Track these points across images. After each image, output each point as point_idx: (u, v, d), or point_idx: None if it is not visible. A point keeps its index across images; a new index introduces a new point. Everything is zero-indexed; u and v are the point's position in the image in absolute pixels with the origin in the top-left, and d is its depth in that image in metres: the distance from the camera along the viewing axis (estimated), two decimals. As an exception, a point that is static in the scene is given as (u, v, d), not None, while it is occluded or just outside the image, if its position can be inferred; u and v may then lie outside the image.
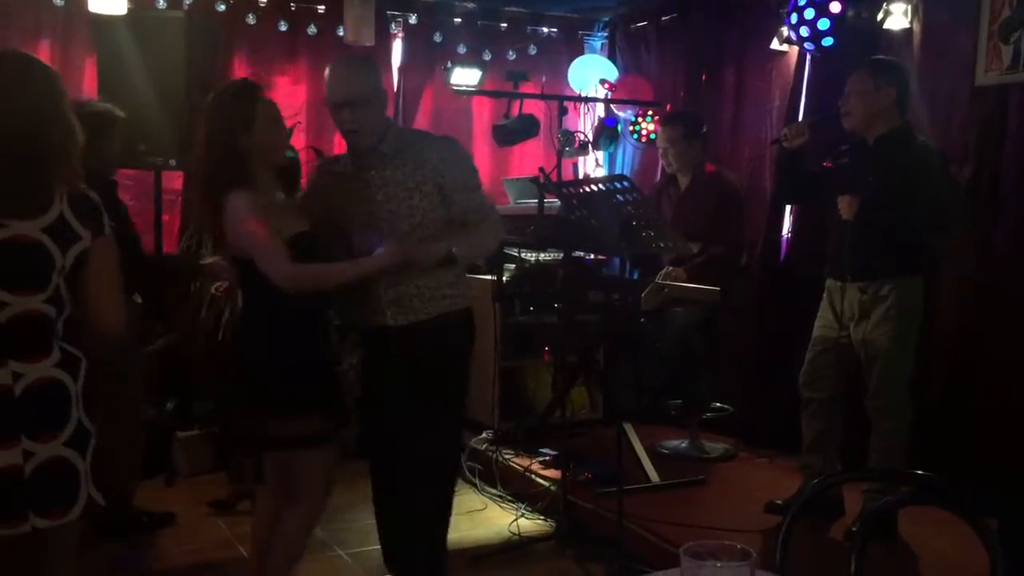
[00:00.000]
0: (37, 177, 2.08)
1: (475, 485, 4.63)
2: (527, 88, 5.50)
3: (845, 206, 3.53)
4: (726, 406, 5.12)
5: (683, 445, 4.78)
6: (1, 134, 2.06)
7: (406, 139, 2.87)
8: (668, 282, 4.31)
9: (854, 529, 3.38)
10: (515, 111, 5.17)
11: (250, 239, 2.63)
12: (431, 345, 2.84)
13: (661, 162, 4.98)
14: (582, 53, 6.36)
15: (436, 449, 2.87)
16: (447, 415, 2.88)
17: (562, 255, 4.83)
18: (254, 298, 2.82)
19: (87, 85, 4.87)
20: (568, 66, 6.07)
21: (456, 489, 3.09)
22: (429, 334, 2.83)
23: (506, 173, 6.06)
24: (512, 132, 5.22)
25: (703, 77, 5.68)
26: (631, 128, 5.87)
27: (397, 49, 5.91)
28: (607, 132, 5.71)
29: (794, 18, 4.45)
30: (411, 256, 2.69)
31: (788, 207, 5.04)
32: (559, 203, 4.42)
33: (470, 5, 5.98)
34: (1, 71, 2.13)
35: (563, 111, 5.42)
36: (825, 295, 3.77)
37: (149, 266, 4.07)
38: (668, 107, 5.69)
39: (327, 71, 2.91)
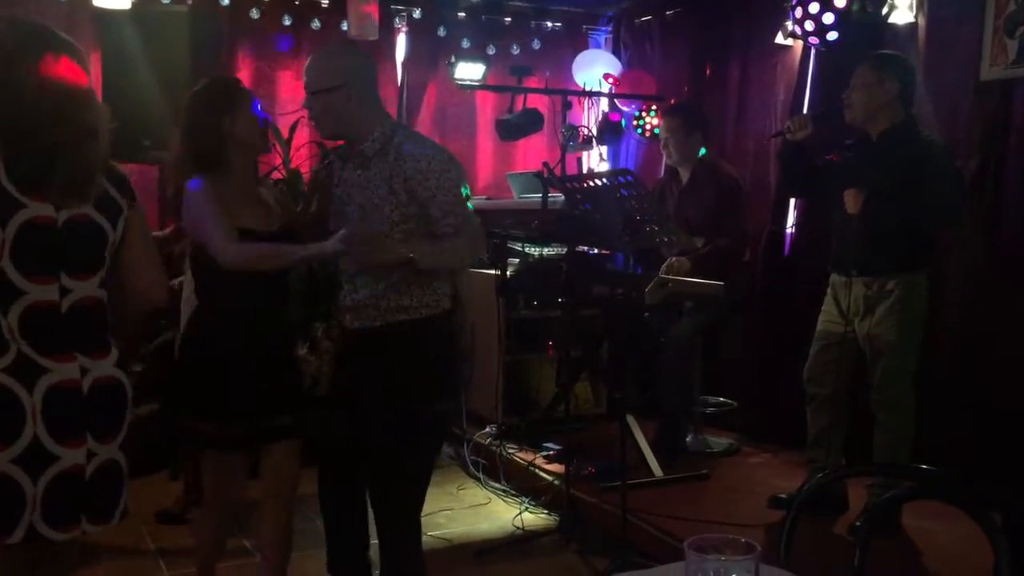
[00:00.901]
0: (90, 152, 2.03)
1: (479, 479, 4.64)
2: (531, 83, 5.50)
3: (851, 200, 3.52)
4: (730, 401, 5.11)
5: (687, 440, 4.78)
6: (56, 110, 2.00)
7: (394, 142, 2.74)
8: (672, 276, 4.30)
9: (858, 524, 3.38)
10: (519, 106, 5.16)
11: (199, 219, 2.60)
12: (381, 351, 2.77)
13: (664, 156, 4.96)
14: (586, 47, 6.36)
15: (388, 454, 2.78)
16: (399, 420, 2.76)
17: (566, 250, 4.82)
18: (206, 288, 2.79)
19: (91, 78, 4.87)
20: (572, 60, 6.07)
21: (419, 496, 2.89)
22: (380, 340, 2.77)
23: (510, 168, 6.06)
24: (516, 127, 5.22)
25: (707, 72, 5.67)
26: (635, 123, 5.86)
27: (401, 43, 5.91)
28: (611, 127, 5.70)
29: (798, 12, 4.44)
30: (358, 249, 2.59)
31: (792, 202, 5.03)
32: (563, 198, 4.41)
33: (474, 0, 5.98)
34: (30, 50, 2.03)
35: (567, 106, 5.41)
36: (829, 290, 3.77)
37: None
38: (672, 102, 5.67)
39: None
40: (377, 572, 2.94)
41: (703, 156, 4.71)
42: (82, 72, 2.07)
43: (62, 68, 2.03)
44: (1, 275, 1.94)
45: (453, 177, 2.71)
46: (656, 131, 5.61)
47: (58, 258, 2.01)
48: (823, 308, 3.79)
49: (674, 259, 4.44)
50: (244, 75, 5.40)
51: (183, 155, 2.70)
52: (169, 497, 4.28)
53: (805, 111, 4.72)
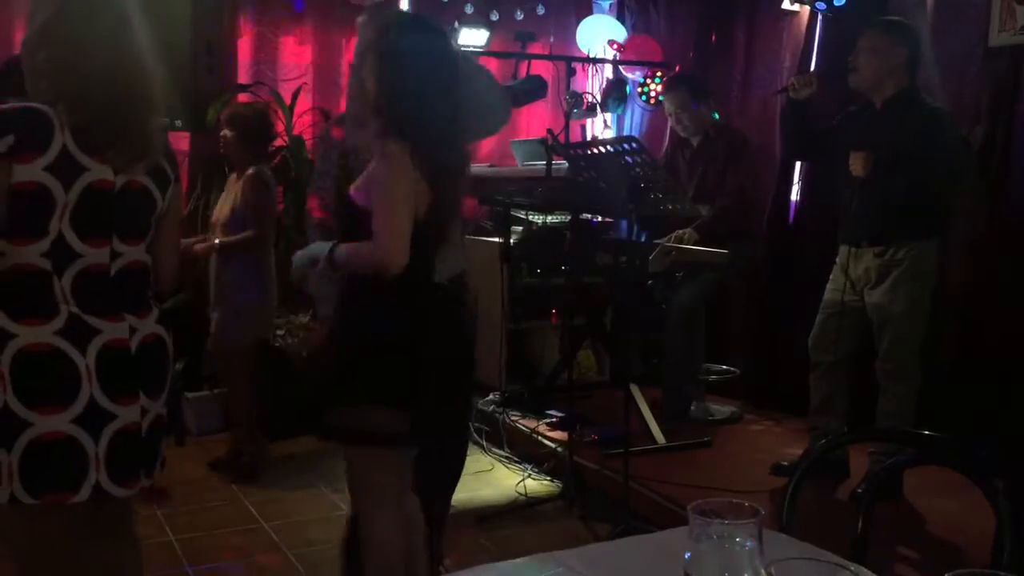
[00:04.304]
0: (142, 120, 2.03)
1: (482, 446, 4.66)
2: (535, 49, 5.45)
3: (859, 163, 3.48)
4: (732, 368, 5.12)
5: (691, 408, 4.80)
6: (127, 77, 1.99)
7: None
8: (675, 244, 4.29)
9: (860, 490, 3.39)
10: (523, 72, 5.12)
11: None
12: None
13: (670, 124, 4.93)
14: (590, 13, 6.29)
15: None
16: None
17: (570, 217, 4.81)
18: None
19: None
20: (576, 26, 6.01)
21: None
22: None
23: (514, 135, 6.02)
24: (520, 93, 5.16)
25: (713, 37, 5.62)
26: (640, 89, 5.82)
27: (404, 9, 5.85)
28: (615, 93, 5.66)
29: (806, -24, 4.39)
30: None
31: (797, 170, 5.01)
32: (567, 165, 4.40)
33: (478, -36, 5.91)
34: (102, 18, 2.02)
35: (571, 72, 5.38)
36: (838, 260, 3.75)
37: None
38: (677, 68, 5.63)
39: None
40: None
41: (716, 121, 4.68)
42: (144, 39, 2.06)
43: (134, 34, 2.02)
44: (59, 238, 1.95)
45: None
46: (661, 98, 5.58)
47: (113, 222, 2.03)
48: (831, 277, 3.78)
49: (683, 231, 4.42)
50: (246, 40, 5.37)
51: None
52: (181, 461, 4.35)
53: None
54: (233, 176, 4.29)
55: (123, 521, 2.24)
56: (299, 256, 2.53)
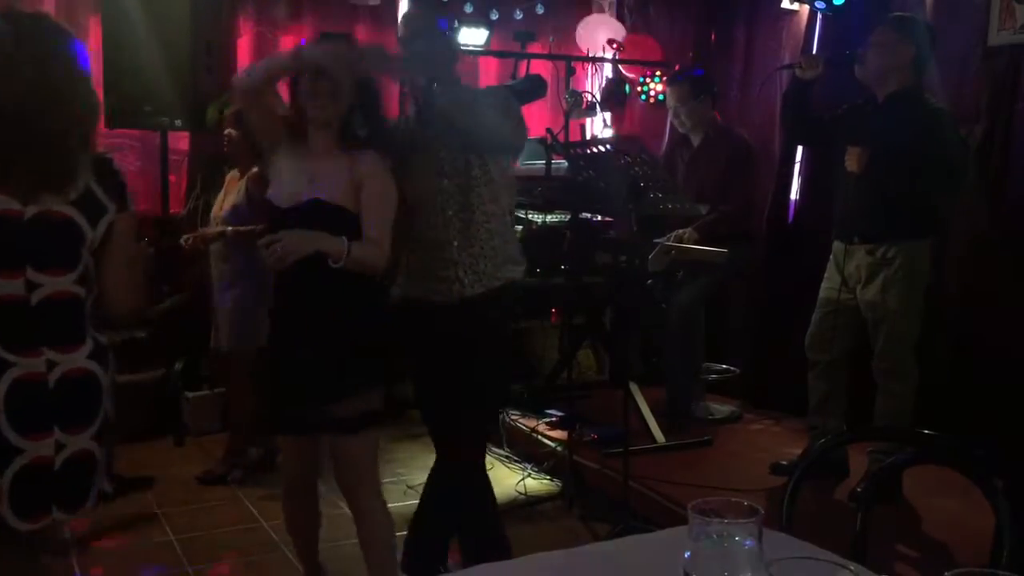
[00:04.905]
0: (60, 149, 2.01)
1: (482, 445, 4.65)
2: (534, 48, 5.45)
3: (854, 159, 3.48)
4: (732, 368, 5.12)
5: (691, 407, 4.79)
6: (18, 108, 1.98)
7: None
8: (674, 243, 4.29)
9: (859, 490, 3.39)
10: (522, 71, 5.12)
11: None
12: None
13: (671, 122, 4.93)
14: (590, 12, 6.29)
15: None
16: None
17: (569, 217, 4.81)
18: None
19: (92, 44, 4.83)
20: (576, 25, 6.01)
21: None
22: None
23: (513, 134, 6.02)
24: (519, 93, 5.17)
25: (712, 36, 5.62)
26: (639, 88, 5.82)
27: (403, 8, 5.85)
28: (615, 92, 5.66)
29: (805, -25, 4.39)
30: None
31: (796, 169, 5.01)
32: (566, 164, 4.39)
33: (477, -37, 5.91)
34: (19, 35, 2.01)
35: (571, 71, 5.37)
36: (832, 257, 3.75)
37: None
38: (676, 67, 5.63)
39: None
40: None
41: (716, 121, 4.68)
42: (75, 65, 2.05)
43: (53, 68, 2.01)
44: None
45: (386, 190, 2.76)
46: (661, 97, 5.58)
47: (23, 252, 1.99)
48: (825, 275, 3.78)
49: (683, 231, 4.41)
50: (245, 40, 5.37)
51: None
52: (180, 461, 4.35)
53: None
54: (233, 173, 4.30)
55: (30, 555, 2.18)
56: (295, 238, 2.50)
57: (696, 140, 4.68)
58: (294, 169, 2.63)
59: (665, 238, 4.42)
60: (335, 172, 2.59)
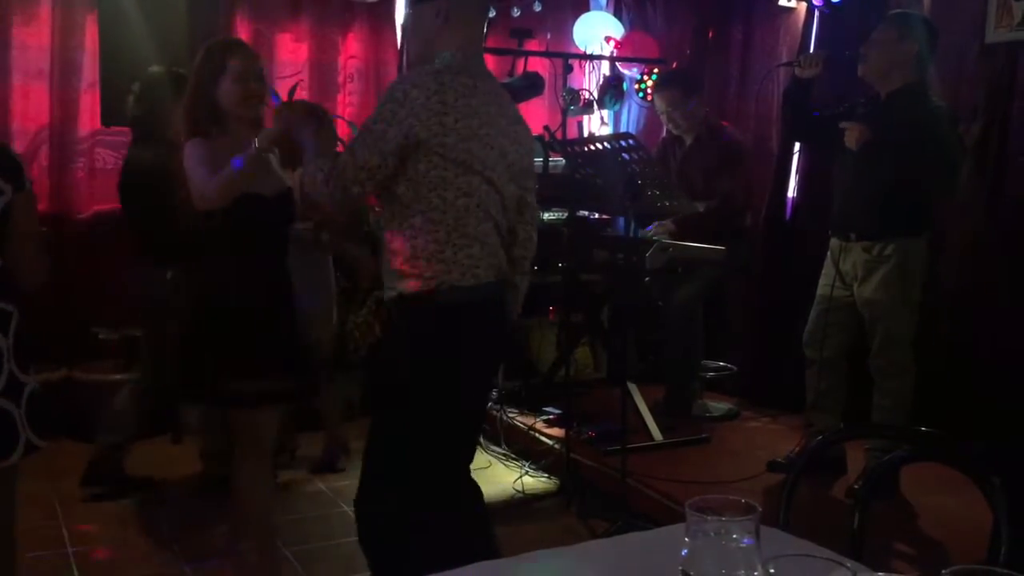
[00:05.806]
0: None
1: (479, 443, 4.66)
2: (531, 46, 5.45)
3: (853, 135, 3.45)
4: (730, 366, 5.13)
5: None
6: None
7: None
8: (670, 241, 4.29)
9: (856, 487, 3.40)
10: (519, 69, 5.12)
11: (188, 175, 2.66)
12: None
13: (664, 122, 4.93)
14: (587, 10, 6.28)
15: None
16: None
17: (567, 214, 4.81)
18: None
19: (88, 44, 4.83)
20: (573, 23, 6.01)
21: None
22: None
23: (511, 132, 6.01)
24: (517, 90, 5.17)
25: (710, 34, 5.62)
26: (636, 86, 5.82)
27: (400, 6, 5.84)
28: (612, 90, 5.65)
29: (803, -27, 4.39)
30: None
31: (794, 167, 5.01)
32: (564, 162, 4.39)
33: (474, -39, 5.90)
34: None
35: (568, 69, 5.37)
36: (829, 254, 3.76)
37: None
38: (674, 64, 5.63)
39: None
40: None
41: (707, 119, 4.67)
42: None
43: None
44: None
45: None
46: (657, 95, 5.58)
47: None
48: (822, 272, 3.79)
49: (661, 222, 4.42)
50: (242, 37, 5.35)
51: (182, 125, 2.79)
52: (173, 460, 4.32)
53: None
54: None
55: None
56: None
57: (688, 139, 4.69)
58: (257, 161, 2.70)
59: (647, 228, 4.42)
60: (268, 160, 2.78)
